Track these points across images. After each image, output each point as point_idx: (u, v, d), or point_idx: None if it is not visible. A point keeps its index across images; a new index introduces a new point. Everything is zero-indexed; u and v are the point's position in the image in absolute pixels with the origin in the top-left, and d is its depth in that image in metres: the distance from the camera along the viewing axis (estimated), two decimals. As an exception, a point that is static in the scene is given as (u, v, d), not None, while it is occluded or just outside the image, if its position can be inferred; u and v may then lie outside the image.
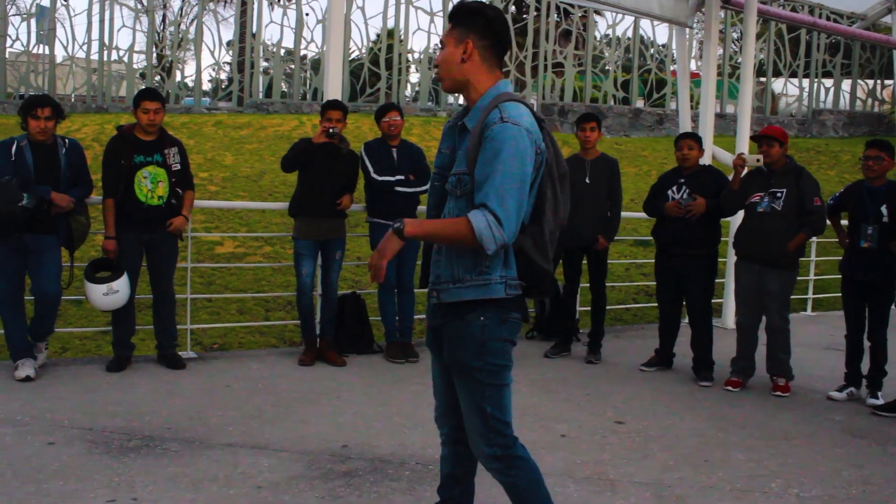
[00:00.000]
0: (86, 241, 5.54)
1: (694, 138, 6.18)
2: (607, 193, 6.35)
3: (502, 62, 2.73)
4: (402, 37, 18.96)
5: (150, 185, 5.42)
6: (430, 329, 2.83)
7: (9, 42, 18.65)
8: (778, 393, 5.67)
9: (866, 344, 5.69)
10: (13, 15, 19.15)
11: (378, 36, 19.13)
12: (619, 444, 4.49)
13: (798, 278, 5.95)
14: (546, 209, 2.62)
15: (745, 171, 5.83)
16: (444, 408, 2.90)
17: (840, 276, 5.84)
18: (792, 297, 5.90)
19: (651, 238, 6.40)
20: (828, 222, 5.83)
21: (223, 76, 20.68)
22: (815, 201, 5.60)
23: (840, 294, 5.89)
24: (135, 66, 18.85)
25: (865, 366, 5.67)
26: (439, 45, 2.80)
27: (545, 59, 19.17)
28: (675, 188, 6.09)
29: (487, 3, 2.72)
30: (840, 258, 5.92)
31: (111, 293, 5.27)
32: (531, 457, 2.77)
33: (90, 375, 5.35)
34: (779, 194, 5.64)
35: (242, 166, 12.95)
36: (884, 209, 5.44)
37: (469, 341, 2.63)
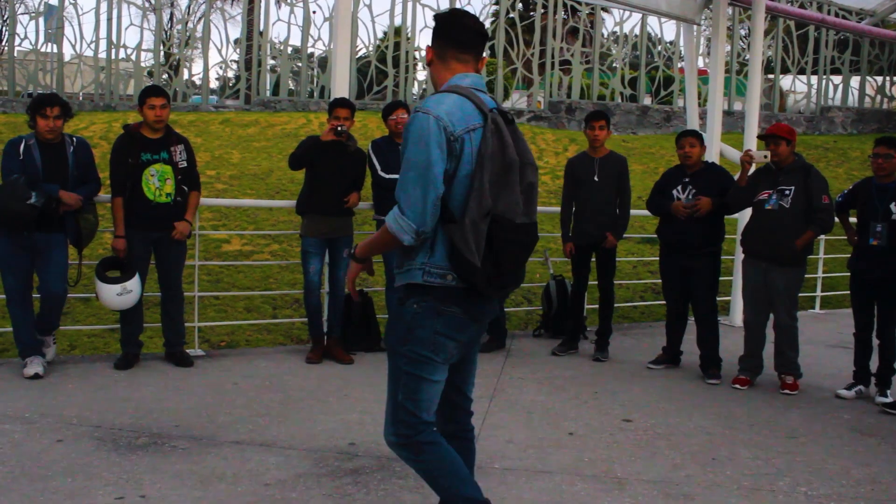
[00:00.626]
0: (94, 239, 5.56)
1: (695, 136, 6.15)
2: (616, 191, 6.34)
3: (463, 55, 2.78)
4: (409, 34, 18.97)
5: (158, 182, 5.44)
6: None
7: (17, 41, 18.74)
8: (786, 391, 5.65)
9: (875, 342, 5.66)
10: (22, 14, 19.22)
11: (385, 34, 19.17)
12: (626, 441, 4.49)
13: (806, 276, 5.93)
14: (470, 200, 2.55)
15: (753, 167, 5.81)
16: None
17: (849, 274, 5.82)
18: (800, 294, 5.88)
19: (657, 236, 6.39)
20: (836, 219, 5.81)
21: (230, 74, 20.74)
22: (824, 199, 5.57)
23: (848, 292, 5.87)
24: (142, 64, 18.90)
25: (874, 364, 5.65)
26: None
27: (552, 57, 19.14)
28: (679, 187, 6.08)
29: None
30: (849, 255, 5.89)
31: (125, 293, 5.29)
32: (444, 441, 2.78)
33: (98, 373, 5.37)
34: (787, 192, 5.62)
35: (250, 164, 12.98)
36: (893, 206, 5.41)
37: (398, 325, 2.73)
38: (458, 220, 2.57)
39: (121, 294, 5.28)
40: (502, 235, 2.58)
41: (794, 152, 5.73)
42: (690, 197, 5.96)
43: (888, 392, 5.48)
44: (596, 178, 6.28)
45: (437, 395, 2.76)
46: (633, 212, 6.67)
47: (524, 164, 2.66)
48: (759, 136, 6.05)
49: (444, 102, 2.61)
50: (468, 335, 2.77)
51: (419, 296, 2.66)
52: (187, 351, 5.83)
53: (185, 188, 5.57)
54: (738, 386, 5.78)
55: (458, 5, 18.40)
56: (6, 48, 19.35)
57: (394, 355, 2.75)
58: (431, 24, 2.89)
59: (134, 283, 5.32)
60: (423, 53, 19.43)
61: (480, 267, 2.56)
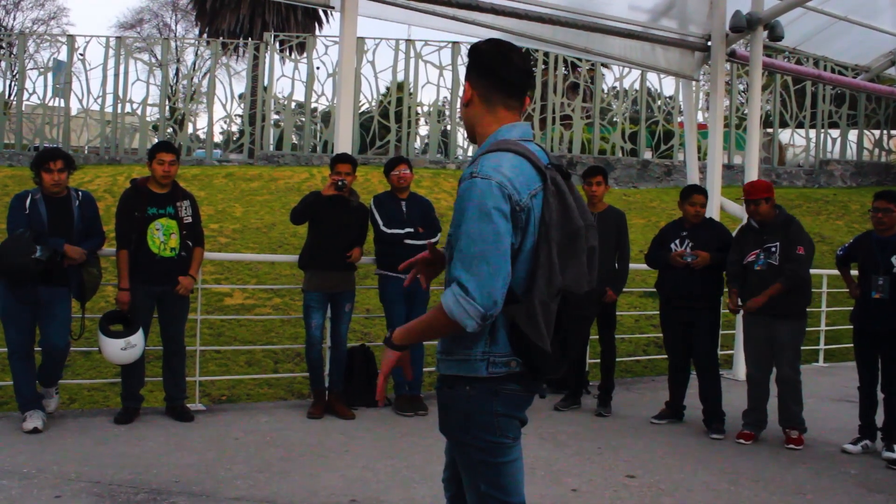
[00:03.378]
0: (96, 293, 5.57)
1: (704, 194, 6.25)
2: (615, 246, 6.36)
3: (511, 101, 2.43)
4: (412, 90, 19.22)
5: (163, 237, 5.47)
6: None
7: (26, 95, 19.01)
8: (791, 446, 5.60)
9: (880, 395, 5.63)
10: (31, 69, 19.53)
11: (388, 89, 19.40)
12: (630, 498, 4.43)
13: (809, 329, 5.92)
14: (538, 277, 2.26)
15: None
16: (450, 472, 2.63)
17: (851, 327, 5.81)
18: (803, 347, 5.86)
19: (656, 290, 6.40)
20: (837, 272, 5.82)
21: (234, 129, 20.95)
22: (799, 250, 5.61)
23: (852, 345, 5.85)
24: (148, 118, 19.17)
25: (880, 418, 5.61)
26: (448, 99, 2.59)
27: (553, 112, 19.37)
28: (677, 240, 6.11)
29: (487, 40, 2.48)
30: (851, 308, 5.89)
31: (129, 347, 5.29)
32: None
33: (98, 427, 5.33)
34: (773, 248, 5.69)
35: (253, 218, 13.05)
36: (894, 260, 5.43)
37: (454, 413, 2.39)
38: (522, 300, 2.26)
39: (125, 349, 5.28)
40: (571, 312, 2.32)
41: (775, 206, 5.78)
42: (689, 252, 5.99)
43: (895, 447, 5.43)
44: (595, 233, 6.30)
45: (519, 472, 2.42)
46: (634, 266, 6.70)
47: (587, 226, 2.37)
48: (741, 199, 6.12)
49: (504, 165, 2.25)
50: (526, 408, 2.46)
51: (472, 380, 2.34)
52: (188, 405, 5.80)
53: (190, 243, 5.60)
54: (742, 441, 5.72)
55: (458, 60, 18.67)
56: (14, 102, 19.61)
57: (460, 445, 2.40)
58: (470, 58, 2.47)
59: (138, 338, 5.32)
60: (425, 109, 19.81)
61: (550, 351, 2.28)
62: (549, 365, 2.31)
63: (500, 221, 2.19)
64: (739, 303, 5.84)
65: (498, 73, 2.40)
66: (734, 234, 6.14)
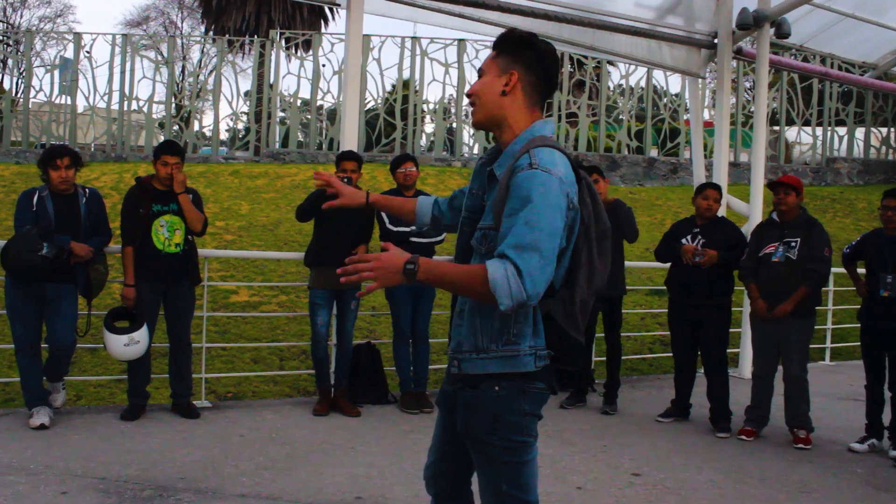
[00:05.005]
0: (103, 290, 5.58)
1: (719, 190, 6.23)
2: (620, 239, 6.32)
3: (544, 104, 2.46)
4: (418, 87, 19.21)
5: (167, 233, 5.48)
6: (443, 392, 2.58)
7: (32, 93, 19.05)
8: (800, 445, 5.58)
9: (887, 394, 5.61)
10: (38, 67, 19.59)
11: (393, 86, 19.38)
12: (635, 496, 4.43)
13: (816, 327, 5.90)
14: (579, 275, 2.31)
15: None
16: (435, 470, 2.64)
17: (859, 325, 5.80)
18: (810, 346, 5.84)
19: (665, 287, 6.38)
20: (844, 271, 5.80)
21: (240, 126, 20.95)
22: (825, 251, 5.58)
23: (859, 343, 5.84)
24: (154, 116, 19.18)
25: (887, 416, 5.59)
26: (477, 74, 2.48)
27: (559, 110, 19.33)
28: (689, 236, 6.10)
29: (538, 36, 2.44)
30: (858, 307, 5.88)
31: (132, 343, 5.30)
32: None
33: (104, 424, 5.34)
34: (793, 244, 5.64)
35: (258, 215, 13.06)
36: (903, 258, 5.41)
37: (481, 414, 2.33)
38: (560, 296, 2.31)
39: (128, 345, 5.29)
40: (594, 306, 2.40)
41: (800, 206, 5.75)
42: (699, 249, 5.97)
43: (902, 445, 5.41)
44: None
45: (537, 470, 2.44)
46: (639, 263, 6.68)
47: (606, 230, 2.43)
48: (768, 184, 6.09)
49: (558, 162, 2.25)
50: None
51: (499, 376, 2.31)
52: (194, 402, 5.81)
53: (192, 238, 5.62)
54: (744, 437, 5.73)
55: (464, 57, 18.65)
56: (21, 100, 19.66)
57: (481, 445, 2.36)
58: (518, 46, 2.41)
59: (141, 334, 5.33)
60: (431, 106, 19.78)
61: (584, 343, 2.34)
62: (581, 357, 2.36)
63: (558, 217, 2.19)
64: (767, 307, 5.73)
65: (549, 75, 2.40)
66: (753, 229, 6.11)
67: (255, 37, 22.32)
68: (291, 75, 20.13)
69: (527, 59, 2.38)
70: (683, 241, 6.09)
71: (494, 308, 2.20)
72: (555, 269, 2.24)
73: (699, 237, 6.04)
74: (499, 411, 2.31)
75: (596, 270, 2.34)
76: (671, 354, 6.63)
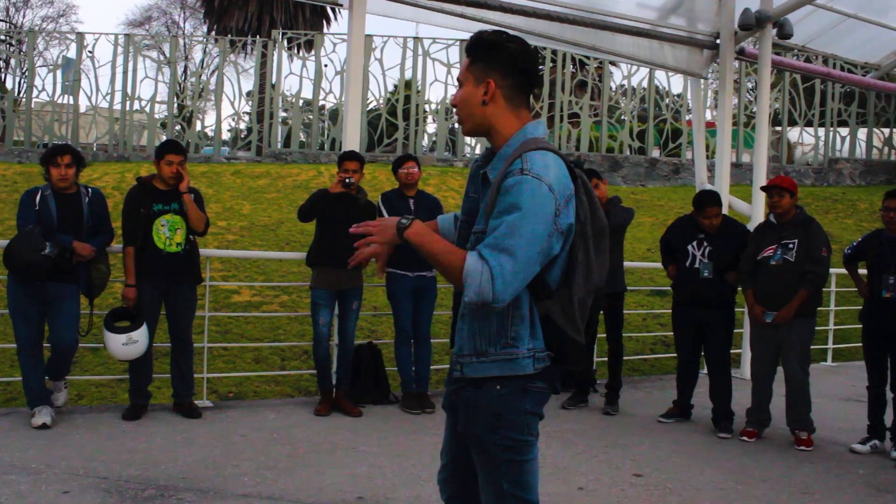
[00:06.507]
0: (105, 289, 5.59)
1: (719, 203, 6.00)
2: (618, 238, 6.31)
3: (530, 100, 2.44)
4: (420, 88, 19.23)
5: (168, 232, 5.48)
6: (447, 393, 2.58)
7: (35, 93, 19.08)
8: (802, 447, 5.57)
9: (889, 395, 5.61)
10: (40, 66, 19.63)
11: (396, 87, 19.40)
12: (637, 497, 4.43)
13: (818, 328, 5.89)
14: (576, 274, 2.31)
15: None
16: (448, 473, 2.62)
17: (860, 326, 5.79)
18: (812, 347, 5.84)
19: (669, 289, 6.36)
20: (845, 271, 5.79)
21: (242, 126, 21.00)
22: (823, 251, 5.56)
23: (861, 344, 5.83)
24: (156, 115, 19.21)
25: (889, 417, 5.58)
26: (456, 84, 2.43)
27: (561, 110, 19.34)
28: (694, 244, 6.01)
29: (507, 34, 2.39)
30: (859, 307, 5.87)
31: (130, 343, 5.29)
32: None
33: (106, 423, 5.34)
34: (791, 245, 5.62)
35: (260, 215, 13.07)
36: (905, 259, 5.40)
37: (482, 413, 2.34)
38: (558, 296, 2.31)
39: (126, 344, 5.29)
40: (593, 305, 2.38)
41: (796, 205, 5.74)
42: (706, 256, 5.90)
43: (904, 446, 5.41)
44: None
45: (538, 469, 2.43)
46: (641, 264, 6.67)
47: (602, 227, 2.42)
48: (762, 188, 6.07)
49: (551, 166, 2.25)
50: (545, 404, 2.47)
51: (504, 379, 2.33)
52: (195, 402, 5.81)
53: (192, 237, 5.62)
54: (745, 438, 5.72)
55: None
56: (24, 100, 19.69)
57: (483, 444, 2.37)
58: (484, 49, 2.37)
59: (140, 334, 5.32)
60: (433, 107, 19.78)
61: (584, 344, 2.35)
62: (581, 358, 2.36)
63: (541, 226, 2.18)
64: (764, 312, 5.71)
65: (527, 73, 2.36)
66: (752, 231, 6.08)
67: (258, 37, 22.37)
68: (293, 75, 20.10)
69: (501, 63, 2.34)
70: (689, 248, 6.01)
71: (491, 311, 2.24)
72: (548, 272, 2.27)
73: (705, 243, 5.97)
74: (500, 410, 2.32)
75: (593, 268, 2.35)
76: (673, 355, 6.63)
